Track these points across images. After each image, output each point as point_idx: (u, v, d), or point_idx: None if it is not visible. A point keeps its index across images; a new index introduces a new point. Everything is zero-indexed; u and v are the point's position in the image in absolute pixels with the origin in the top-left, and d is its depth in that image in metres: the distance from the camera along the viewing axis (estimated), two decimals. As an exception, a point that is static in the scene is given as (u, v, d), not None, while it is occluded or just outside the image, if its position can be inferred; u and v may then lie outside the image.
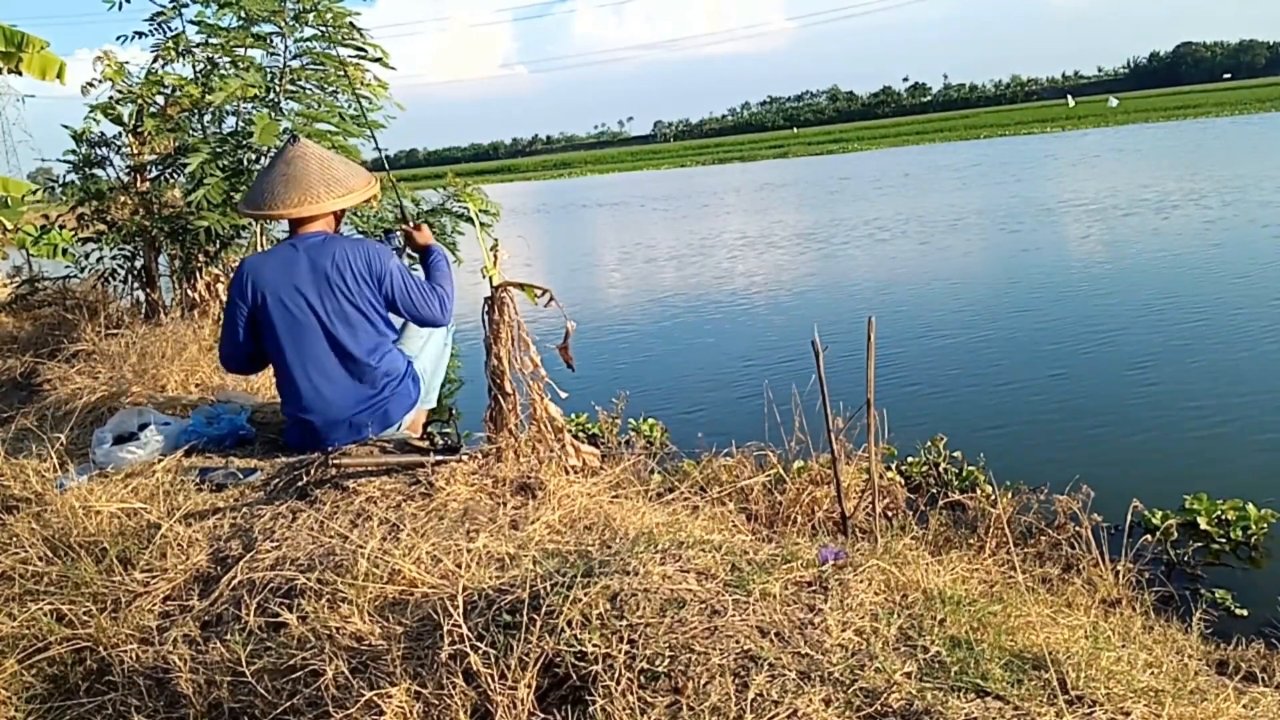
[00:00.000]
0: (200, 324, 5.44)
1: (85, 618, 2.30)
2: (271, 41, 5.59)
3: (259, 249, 5.46)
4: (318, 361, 3.24)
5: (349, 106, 5.64)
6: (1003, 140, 45.53)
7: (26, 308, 7.62)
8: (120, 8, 6.06)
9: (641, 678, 1.67)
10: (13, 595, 2.48)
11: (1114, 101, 69.83)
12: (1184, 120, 45.85)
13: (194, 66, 5.89)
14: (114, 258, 6.46)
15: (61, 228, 7.72)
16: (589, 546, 2.36)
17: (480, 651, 1.75)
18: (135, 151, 6.41)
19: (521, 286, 3.48)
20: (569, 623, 1.77)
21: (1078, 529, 3.76)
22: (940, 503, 4.13)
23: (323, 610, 2.07)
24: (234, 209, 5.34)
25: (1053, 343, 7.55)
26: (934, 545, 3.58)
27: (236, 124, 5.78)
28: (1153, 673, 1.98)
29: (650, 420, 5.82)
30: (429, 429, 3.16)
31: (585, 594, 1.82)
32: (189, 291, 5.99)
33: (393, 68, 5.61)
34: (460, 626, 1.80)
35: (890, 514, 4.09)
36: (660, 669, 1.68)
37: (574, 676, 1.71)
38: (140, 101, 6.15)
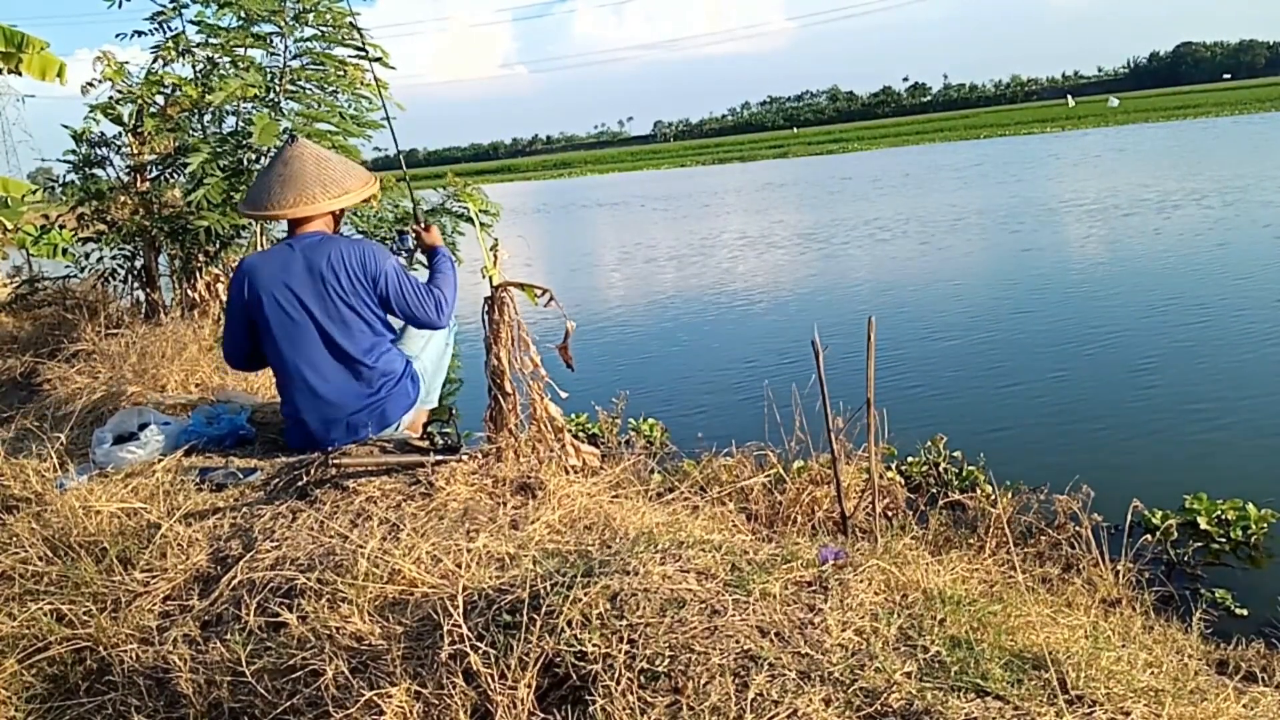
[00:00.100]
0: (200, 324, 5.44)
1: (85, 618, 2.30)
2: (271, 41, 5.59)
3: (259, 249, 5.46)
4: (313, 362, 3.23)
5: (349, 106, 5.64)
6: (1003, 140, 45.54)
7: (26, 308, 7.61)
8: (120, 6, 6.06)
9: (641, 677, 1.67)
10: (13, 595, 2.48)
11: (1114, 101, 69.83)
12: (1184, 120, 45.84)
13: (194, 66, 5.89)
14: (114, 258, 6.46)
15: (61, 228, 7.73)
16: (589, 546, 2.36)
17: (480, 651, 1.75)
18: (135, 151, 6.41)
19: (521, 286, 3.48)
20: (569, 623, 1.77)
21: (1078, 529, 3.76)
22: (940, 503, 4.13)
23: (323, 610, 2.07)
24: (234, 209, 5.35)
25: (1053, 343, 7.55)
26: (934, 545, 3.58)
27: (236, 124, 5.78)
28: (1153, 673, 1.97)
29: (650, 420, 5.82)
30: (429, 429, 3.16)
31: (585, 594, 1.82)
32: (189, 291, 5.99)
33: (392, 67, 5.62)
34: (460, 626, 1.80)
35: (890, 514, 4.09)
36: (660, 669, 1.68)
37: (574, 676, 1.71)
38: (140, 101, 6.16)
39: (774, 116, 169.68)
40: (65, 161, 6.49)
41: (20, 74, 8.60)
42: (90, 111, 6.25)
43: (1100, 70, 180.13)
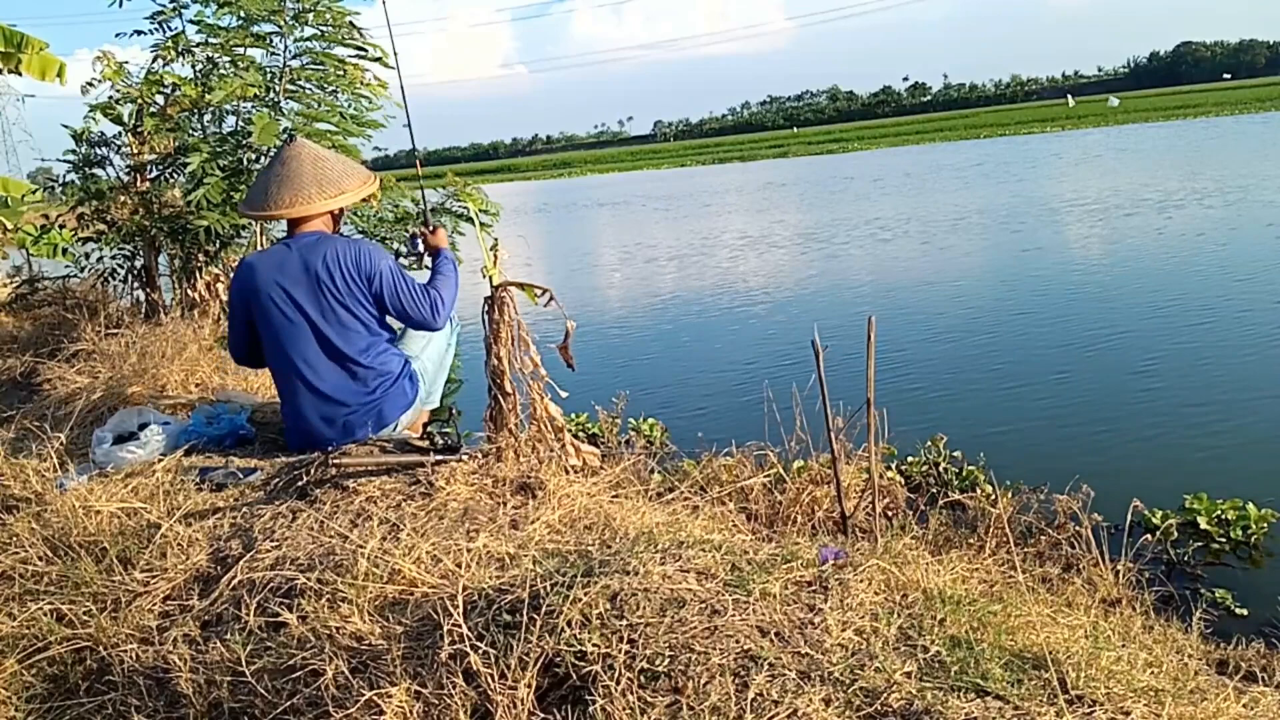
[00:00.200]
0: (200, 324, 5.44)
1: (85, 617, 2.30)
2: (271, 41, 5.60)
3: (259, 248, 5.46)
4: (310, 361, 3.23)
5: (349, 106, 5.64)
6: (1004, 140, 45.54)
7: (26, 308, 7.62)
8: (120, 6, 6.07)
9: (641, 677, 1.67)
10: (13, 595, 2.48)
11: (1114, 101, 69.77)
12: (1185, 120, 45.82)
13: (194, 66, 5.90)
14: (114, 258, 6.47)
15: (61, 228, 7.73)
16: (589, 546, 2.36)
17: (480, 651, 1.75)
18: (135, 151, 6.41)
19: (521, 286, 3.48)
20: (569, 622, 1.77)
21: (1078, 529, 3.76)
22: (940, 502, 4.13)
23: (323, 610, 2.07)
24: (234, 209, 5.35)
25: (1053, 342, 7.55)
26: (934, 545, 3.58)
27: (236, 124, 5.79)
28: (1153, 672, 1.97)
29: (650, 420, 5.82)
30: (429, 429, 3.16)
31: (585, 594, 1.82)
32: (189, 291, 6.00)
33: (392, 67, 5.61)
34: (460, 626, 1.80)
35: (890, 514, 4.09)
36: (660, 669, 1.68)
37: (574, 676, 1.71)
38: (140, 101, 6.16)
39: (774, 116, 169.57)
40: (65, 161, 6.51)
41: (20, 74, 8.60)
42: (90, 111, 6.26)
43: (1100, 70, 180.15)
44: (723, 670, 1.67)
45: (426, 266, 3.82)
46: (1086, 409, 5.84)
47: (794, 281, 11.96)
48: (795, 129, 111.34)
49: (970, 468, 4.69)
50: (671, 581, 1.92)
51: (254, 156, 5.55)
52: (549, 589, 1.86)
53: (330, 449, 3.15)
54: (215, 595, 2.32)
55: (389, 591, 2.14)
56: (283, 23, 5.46)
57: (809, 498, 3.96)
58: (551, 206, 34.07)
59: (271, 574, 2.31)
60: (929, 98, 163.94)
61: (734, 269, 13.53)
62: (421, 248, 3.74)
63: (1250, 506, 4.05)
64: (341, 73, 5.59)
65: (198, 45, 5.82)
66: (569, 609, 1.79)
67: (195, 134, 5.92)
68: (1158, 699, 1.72)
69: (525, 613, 1.81)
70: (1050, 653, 1.81)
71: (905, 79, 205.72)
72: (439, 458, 2.89)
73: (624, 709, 1.61)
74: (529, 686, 1.70)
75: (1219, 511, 4.08)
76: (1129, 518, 3.73)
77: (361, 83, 5.58)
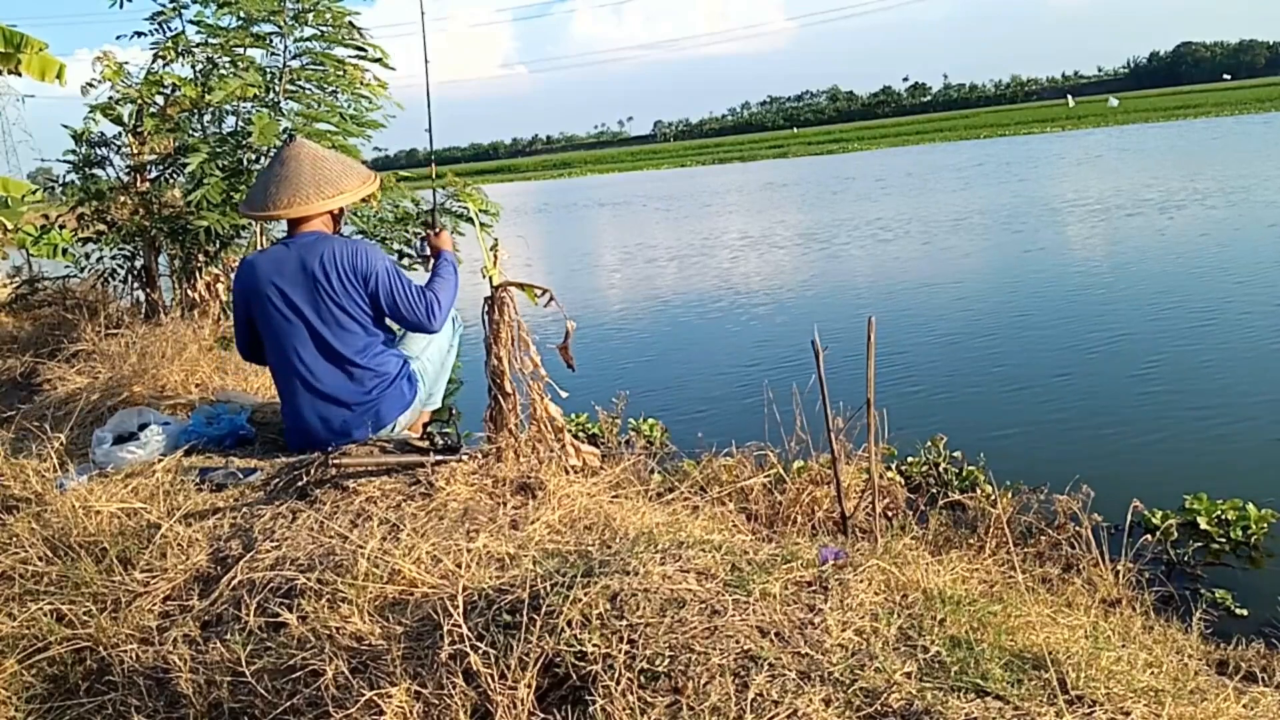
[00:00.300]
0: (200, 324, 5.44)
1: (85, 618, 2.30)
2: (271, 41, 5.60)
3: (259, 249, 5.46)
4: (307, 362, 3.24)
5: (349, 106, 5.65)
6: (1004, 140, 45.52)
7: (26, 308, 7.63)
8: (120, 6, 6.07)
9: (641, 678, 1.67)
10: (13, 595, 2.48)
11: (1114, 101, 69.74)
12: (1185, 120, 45.80)
13: (194, 66, 5.90)
14: (114, 258, 6.47)
15: (61, 228, 7.74)
16: (589, 546, 2.36)
17: (480, 651, 1.75)
18: (135, 151, 6.42)
19: (521, 286, 3.48)
20: (569, 623, 1.77)
21: (1078, 529, 3.75)
22: (940, 503, 4.13)
23: (323, 610, 2.07)
24: (234, 209, 5.35)
25: (1054, 343, 7.55)
26: (934, 545, 3.58)
27: (236, 124, 5.79)
28: (1153, 673, 1.97)
29: (650, 420, 5.81)
30: (429, 429, 3.16)
31: (585, 594, 1.82)
32: (189, 291, 6.00)
33: (392, 68, 5.63)
34: (460, 626, 1.80)
35: (890, 514, 4.09)
36: (660, 669, 1.68)
37: (574, 676, 1.71)
38: (140, 101, 6.16)
39: (774, 116, 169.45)
40: (65, 161, 6.52)
41: (20, 74, 8.62)
42: (90, 111, 6.26)
43: (1100, 70, 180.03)
44: (723, 670, 1.67)
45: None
46: (1087, 409, 5.84)
47: (794, 282, 11.96)
48: (795, 129, 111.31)
49: (970, 468, 4.69)
50: (671, 582, 1.92)
51: (254, 157, 5.55)
52: (549, 589, 1.86)
53: (330, 449, 3.15)
54: (215, 595, 2.32)
55: (389, 592, 2.14)
56: (283, 23, 5.46)
57: (809, 498, 3.96)
58: (551, 207, 34.06)
59: (271, 574, 2.31)
60: (929, 98, 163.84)
61: (734, 269, 13.53)
62: (425, 249, 3.75)
63: (1250, 507, 4.05)
64: (341, 73, 5.59)
65: (198, 45, 5.82)
66: (569, 609, 1.79)
67: (195, 134, 5.92)
68: (1158, 699, 1.72)
69: (525, 613, 1.81)
70: (1050, 653, 1.81)
71: (905, 79, 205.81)
72: (439, 458, 2.89)
73: (624, 709, 1.61)
74: (529, 687, 1.70)
75: (1219, 512, 4.08)
76: (1129, 518, 3.73)
77: (361, 83, 5.58)
